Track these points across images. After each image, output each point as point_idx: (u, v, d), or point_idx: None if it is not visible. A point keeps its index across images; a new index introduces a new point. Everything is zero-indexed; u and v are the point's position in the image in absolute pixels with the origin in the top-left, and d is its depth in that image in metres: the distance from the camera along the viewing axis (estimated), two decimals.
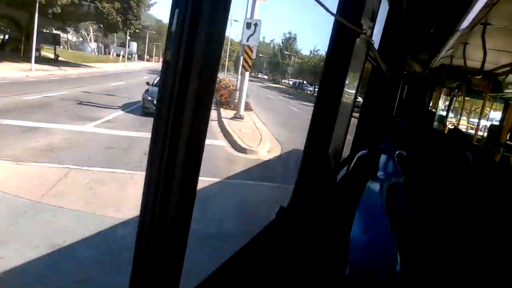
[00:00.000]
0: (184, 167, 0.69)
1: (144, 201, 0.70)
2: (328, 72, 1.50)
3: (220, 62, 0.72)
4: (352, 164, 2.13)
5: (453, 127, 9.64)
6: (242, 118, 13.48)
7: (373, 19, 1.73)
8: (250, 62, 12.97)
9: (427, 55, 5.58)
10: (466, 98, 10.12)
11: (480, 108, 7.41)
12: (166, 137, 0.66)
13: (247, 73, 13.61)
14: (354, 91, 1.86)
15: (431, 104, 9.01)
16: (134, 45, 52.12)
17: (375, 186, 0.97)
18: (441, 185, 1.85)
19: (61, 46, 41.45)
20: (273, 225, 1.47)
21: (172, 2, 0.65)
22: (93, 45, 51.57)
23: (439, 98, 10.69)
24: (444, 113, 11.65)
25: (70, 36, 48.04)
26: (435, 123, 8.65)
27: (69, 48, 47.00)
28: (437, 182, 1.85)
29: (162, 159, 0.67)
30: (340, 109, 1.59)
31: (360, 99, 2.87)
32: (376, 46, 2.47)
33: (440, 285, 1.72)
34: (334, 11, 1.43)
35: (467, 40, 4.53)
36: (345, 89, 1.57)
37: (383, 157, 1.59)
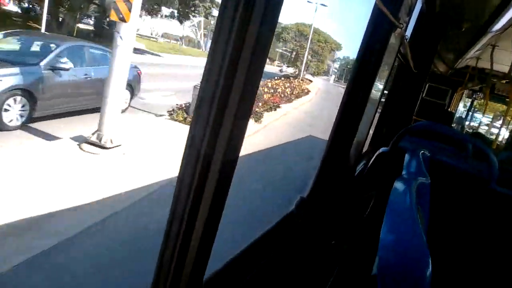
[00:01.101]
0: (220, 173, 0.68)
1: (173, 206, 0.69)
2: (361, 64, 1.48)
3: (267, 58, 0.70)
4: (372, 160, 2.12)
5: (472, 131, 9.46)
6: None
7: (409, 13, 1.70)
8: None
9: (454, 55, 5.45)
10: (490, 103, 9.88)
11: (505, 113, 7.22)
12: (204, 138, 0.65)
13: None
14: (382, 86, 1.84)
15: (451, 105, 8.84)
16: None
17: (404, 186, 0.97)
18: (465, 189, 1.83)
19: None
20: (292, 216, 1.48)
21: None
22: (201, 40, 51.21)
23: (460, 100, 10.48)
24: (464, 115, 11.43)
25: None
26: (454, 125, 8.50)
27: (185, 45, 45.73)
28: (461, 186, 1.83)
29: (198, 163, 0.66)
30: (368, 103, 1.57)
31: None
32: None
33: None
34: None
35: (497, 42, 4.40)
36: (376, 82, 1.55)
37: (407, 156, 1.58)
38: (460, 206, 1.82)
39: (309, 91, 24.06)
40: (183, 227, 0.70)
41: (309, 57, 42.13)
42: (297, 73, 39.33)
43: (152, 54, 26.03)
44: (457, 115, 11.10)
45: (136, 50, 18.92)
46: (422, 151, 1.69)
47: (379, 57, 1.46)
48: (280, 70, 43.90)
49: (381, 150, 2.11)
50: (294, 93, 19.30)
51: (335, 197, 1.65)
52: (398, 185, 0.96)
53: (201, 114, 0.65)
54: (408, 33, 2.89)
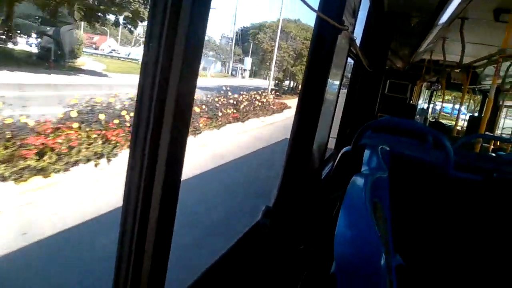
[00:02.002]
0: (166, 174, 0.67)
1: (125, 207, 0.68)
2: (311, 69, 1.50)
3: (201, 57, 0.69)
4: (336, 161, 2.14)
5: (434, 120, 9.84)
6: None
7: (354, 15, 1.73)
8: None
9: (408, 50, 5.66)
10: (447, 91, 10.31)
11: (461, 99, 7.55)
12: (146, 140, 0.64)
13: None
14: (337, 87, 1.86)
15: (413, 98, 9.16)
16: (248, 61, 40.67)
17: (360, 181, 0.97)
18: (424, 178, 1.87)
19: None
20: (258, 226, 1.46)
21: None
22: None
23: (420, 92, 10.88)
24: (425, 106, 11.86)
25: None
26: (417, 116, 8.80)
27: None
28: (421, 176, 1.88)
29: (143, 167, 0.65)
30: (324, 105, 1.58)
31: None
32: (358, 42, 2.48)
33: (426, 279, 1.74)
34: (316, 7, 1.42)
35: (446, 34, 4.61)
36: (328, 85, 1.57)
37: (366, 152, 1.60)
38: (422, 194, 1.87)
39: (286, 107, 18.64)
40: (132, 253, 0.68)
41: (291, 61, 29.40)
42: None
43: (100, 75, 21.12)
44: (421, 107, 11.53)
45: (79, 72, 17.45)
46: (381, 146, 1.72)
47: (328, 60, 1.48)
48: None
49: (344, 149, 2.14)
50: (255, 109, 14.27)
51: (302, 202, 1.65)
52: (354, 182, 0.96)
53: (139, 135, 0.64)
54: (360, 33, 2.97)
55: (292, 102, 19.41)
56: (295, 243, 1.59)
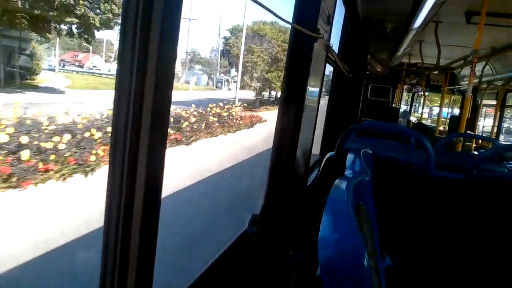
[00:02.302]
0: (146, 178, 0.67)
1: (108, 207, 0.68)
2: (289, 77, 1.52)
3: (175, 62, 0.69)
4: (321, 166, 2.16)
5: (417, 121, 10.02)
6: None
7: (329, 23, 1.77)
8: None
9: (387, 54, 5.78)
10: (428, 93, 10.53)
11: (440, 101, 7.73)
12: (125, 144, 0.65)
13: None
14: (317, 94, 1.89)
15: (395, 102, 9.33)
16: (234, 73, 36.24)
17: (342, 185, 0.98)
18: (407, 179, 1.91)
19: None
20: (246, 235, 1.46)
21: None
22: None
23: (402, 95, 11.09)
24: (408, 109, 12.08)
25: None
26: (400, 119, 8.96)
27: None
28: (404, 177, 1.91)
29: (123, 171, 0.66)
30: (304, 112, 1.61)
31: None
32: (336, 49, 2.53)
33: (415, 279, 1.76)
34: (290, 16, 1.45)
35: (422, 38, 4.73)
36: (308, 92, 1.59)
37: (349, 156, 1.62)
38: (406, 195, 1.89)
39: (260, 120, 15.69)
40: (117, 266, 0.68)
41: (266, 67, 25.34)
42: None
43: (55, 92, 18.13)
44: (403, 109, 11.73)
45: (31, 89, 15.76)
46: (364, 150, 1.74)
47: (306, 68, 1.51)
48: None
49: (328, 155, 2.16)
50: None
51: (288, 209, 1.66)
52: (336, 186, 0.98)
53: (117, 152, 0.65)
54: (337, 40, 3.03)
55: (270, 115, 16.05)
56: (283, 249, 1.59)
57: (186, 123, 9.70)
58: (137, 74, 0.63)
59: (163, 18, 0.63)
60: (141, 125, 0.64)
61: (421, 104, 12.21)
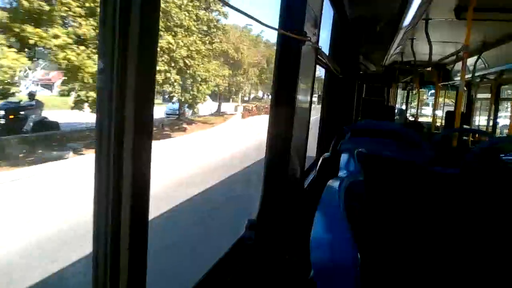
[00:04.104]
0: (133, 185, 0.67)
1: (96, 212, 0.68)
2: (279, 81, 1.53)
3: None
4: (317, 168, 2.16)
5: (413, 119, 10.02)
6: None
7: (316, 26, 1.78)
8: None
9: (379, 54, 5.80)
10: (422, 90, 10.56)
11: (434, 98, 7.75)
12: (110, 145, 0.65)
13: None
14: (308, 96, 1.89)
15: (390, 100, 9.34)
16: None
17: (335, 185, 0.99)
18: (403, 176, 1.90)
19: None
20: (243, 240, 1.46)
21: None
22: None
23: (397, 93, 11.11)
24: (404, 107, 12.10)
25: None
26: (396, 117, 8.97)
27: None
28: (399, 175, 1.91)
29: (109, 177, 0.66)
30: (296, 115, 1.61)
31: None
32: (326, 50, 2.54)
33: (400, 282, 1.75)
34: (277, 21, 1.46)
35: (413, 35, 4.75)
36: (298, 95, 1.59)
37: (343, 156, 1.62)
38: (403, 192, 1.89)
39: None
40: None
41: None
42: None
43: None
44: (399, 108, 11.75)
45: None
46: (358, 150, 1.74)
47: (295, 71, 1.52)
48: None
49: (323, 156, 2.16)
50: None
51: (285, 212, 1.66)
52: (329, 187, 0.98)
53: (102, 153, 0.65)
54: (327, 41, 3.04)
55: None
56: (280, 253, 1.59)
57: None
58: (118, 73, 0.63)
59: (141, 20, 0.64)
60: (124, 128, 0.65)
61: (417, 101, 12.23)
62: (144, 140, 0.69)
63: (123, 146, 0.65)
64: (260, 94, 33.14)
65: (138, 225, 0.70)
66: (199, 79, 15.66)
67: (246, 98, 30.21)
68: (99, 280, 0.67)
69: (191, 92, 15.75)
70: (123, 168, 0.65)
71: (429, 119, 9.74)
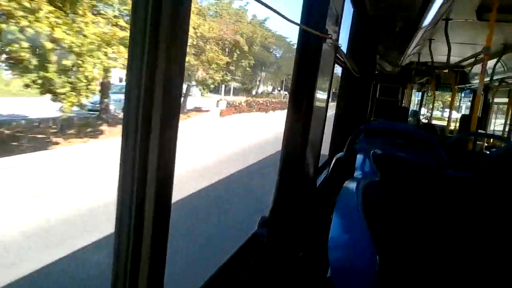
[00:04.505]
0: (157, 180, 0.67)
1: (120, 205, 0.68)
2: (298, 79, 1.51)
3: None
4: (331, 167, 2.14)
5: (426, 121, 9.90)
6: None
7: (337, 23, 1.76)
8: None
9: (396, 53, 5.72)
10: (437, 92, 10.40)
11: (451, 99, 7.62)
12: (135, 146, 0.64)
13: None
14: (326, 94, 1.87)
15: (404, 101, 9.23)
16: None
17: (352, 186, 0.98)
18: (417, 178, 1.88)
19: None
20: (256, 236, 1.45)
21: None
22: None
23: (411, 94, 10.98)
24: (418, 108, 11.95)
25: None
26: (410, 118, 8.86)
27: None
28: (413, 176, 1.88)
29: (134, 171, 0.65)
30: (313, 114, 1.59)
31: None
32: (344, 48, 2.51)
33: (416, 282, 1.73)
34: (298, 18, 1.44)
35: (432, 36, 4.67)
36: (317, 93, 1.58)
37: (359, 157, 1.61)
38: (416, 194, 1.87)
39: None
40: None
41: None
42: None
43: None
44: (413, 109, 11.61)
45: None
46: (373, 150, 1.73)
47: (314, 69, 1.50)
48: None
49: (337, 155, 2.14)
50: None
51: (298, 210, 1.65)
52: (346, 187, 0.97)
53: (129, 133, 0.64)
54: (345, 39, 3.01)
55: None
56: (294, 250, 1.58)
57: None
58: (147, 71, 0.62)
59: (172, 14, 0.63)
60: (151, 120, 0.64)
61: (432, 103, 12.05)
62: (171, 133, 0.69)
63: (151, 127, 0.64)
64: (269, 89, 30.01)
65: (161, 213, 0.70)
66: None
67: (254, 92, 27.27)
68: (119, 270, 0.68)
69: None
70: (149, 160, 0.65)
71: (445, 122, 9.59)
